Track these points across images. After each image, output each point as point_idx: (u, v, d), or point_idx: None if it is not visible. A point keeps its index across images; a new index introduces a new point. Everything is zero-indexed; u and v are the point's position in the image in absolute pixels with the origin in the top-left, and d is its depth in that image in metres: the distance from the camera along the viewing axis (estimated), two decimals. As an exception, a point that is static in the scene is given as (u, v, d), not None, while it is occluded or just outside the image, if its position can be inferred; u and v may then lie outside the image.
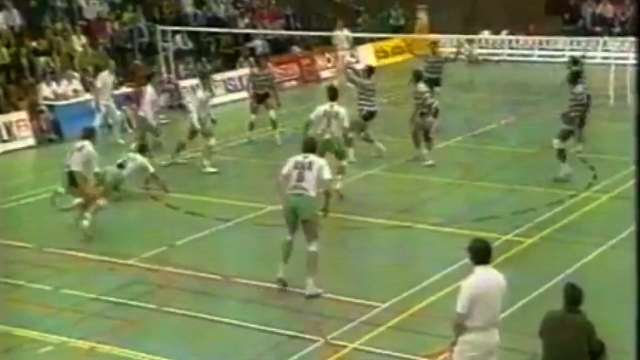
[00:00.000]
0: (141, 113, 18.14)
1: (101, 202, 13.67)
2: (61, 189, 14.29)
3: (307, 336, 9.99)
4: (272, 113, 18.99)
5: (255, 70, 19.96)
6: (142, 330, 10.47)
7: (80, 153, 13.57)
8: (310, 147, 11.49)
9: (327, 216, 12.45)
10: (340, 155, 14.80)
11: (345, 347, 9.74)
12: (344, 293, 11.06)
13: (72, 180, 13.54)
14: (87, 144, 13.68)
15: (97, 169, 13.72)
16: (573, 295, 7.32)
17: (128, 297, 11.28)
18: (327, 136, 14.46)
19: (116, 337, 10.18)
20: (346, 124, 14.70)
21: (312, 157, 11.21)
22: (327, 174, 11.21)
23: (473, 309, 7.40)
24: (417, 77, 17.25)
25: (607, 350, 7.43)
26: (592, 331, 7.26)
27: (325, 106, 14.67)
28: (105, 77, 20.07)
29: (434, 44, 21.56)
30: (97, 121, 19.72)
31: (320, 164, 11.19)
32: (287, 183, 11.05)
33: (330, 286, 11.20)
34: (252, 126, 19.09)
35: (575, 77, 15.78)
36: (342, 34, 26.88)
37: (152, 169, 15.63)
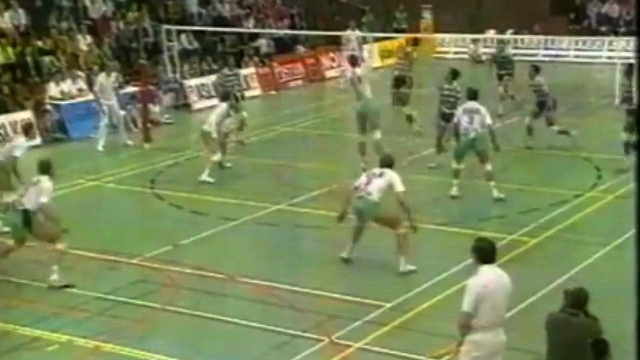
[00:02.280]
0: (206, 127, 16.69)
1: (60, 246, 11.86)
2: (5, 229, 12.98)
3: (312, 335, 9.99)
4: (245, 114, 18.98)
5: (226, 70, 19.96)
6: (147, 330, 10.48)
7: (36, 187, 11.90)
8: (387, 162, 12.04)
9: (416, 232, 11.76)
10: (484, 156, 14.50)
11: (350, 346, 9.73)
12: (349, 292, 11.06)
13: (27, 221, 11.83)
14: (45, 179, 11.99)
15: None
16: (578, 298, 7.29)
17: (132, 296, 11.30)
18: (472, 135, 14.46)
19: (121, 336, 10.19)
20: (489, 121, 14.52)
21: (386, 171, 11.82)
22: (399, 187, 11.60)
23: (479, 308, 7.38)
24: (454, 75, 16.94)
25: (612, 350, 7.41)
26: (595, 331, 7.24)
27: (467, 104, 14.73)
28: (102, 80, 19.97)
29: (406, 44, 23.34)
30: (103, 121, 19.75)
31: (392, 175, 11.73)
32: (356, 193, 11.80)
33: (335, 285, 11.22)
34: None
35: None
36: (352, 34, 26.82)
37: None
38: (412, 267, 11.60)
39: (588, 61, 29.00)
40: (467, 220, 13.06)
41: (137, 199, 15.80)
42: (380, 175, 11.78)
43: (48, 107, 21.02)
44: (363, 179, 11.88)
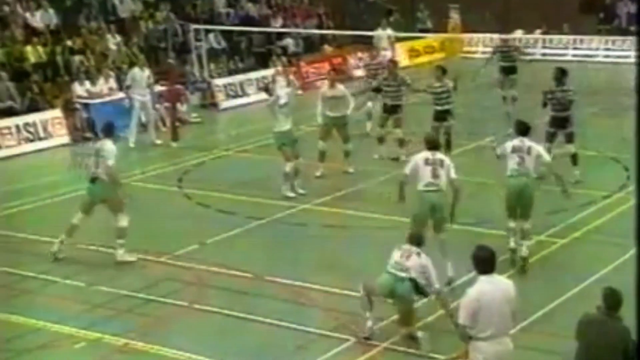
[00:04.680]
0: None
1: (123, 222, 12.61)
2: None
3: (338, 335, 10.01)
4: None
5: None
6: (174, 328, 10.56)
7: (100, 152, 12.45)
8: (434, 144, 11.54)
9: (452, 224, 11.44)
10: (528, 207, 11.87)
11: (376, 346, 9.75)
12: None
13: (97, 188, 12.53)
14: (108, 142, 12.53)
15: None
16: (613, 300, 7.21)
17: (160, 294, 11.39)
18: (523, 180, 11.81)
19: (148, 334, 10.28)
20: (546, 159, 12.09)
21: (439, 155, 11.33)
22: (454, 173, 11.19)
23: (477, 320, 7.31)
24: (443, 71, 16.92)
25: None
26: (630, 338, 7.16)
27: (515, 141, 12.02)
28: (136, 73, 20.16)
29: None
30: (135, 118, 19.94)
31: (449, 162, 11.26)
32: (415, 181, 11.20)
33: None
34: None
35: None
36: (384, 33, 26.76)
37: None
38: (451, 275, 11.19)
39: (617, 61, 28.77)
40: (493, 221, 13.00)
41: (164, 197, 15.90)
42: (442, 164, 11.17)
43: (77, 106, 21.21)
44: (427, 171, 11.06)
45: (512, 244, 11.83)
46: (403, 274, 9.69)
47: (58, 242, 12.71)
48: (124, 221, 12.53)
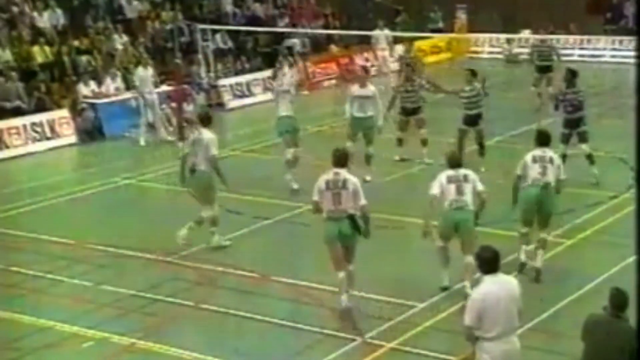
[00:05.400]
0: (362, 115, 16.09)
1: (211, 212, 12.70)
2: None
3: (345, 335, 10.03)
4: None
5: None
6: (180, 327, 10.58)
7: (201, 143, 12.56)
8: (457, 161, 11.13)
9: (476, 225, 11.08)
10: (548, 217, 11.64)
11: (382, 346, 9.76)
12: (382, 292, 11.08)
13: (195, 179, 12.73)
14: (206, 131, 12.71)
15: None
16: (619, 301, 7.19)
17: (167, 293, 11.41)
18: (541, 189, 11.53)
19: (155, 333, 10.30)
20: (562, 176, 11.71)
21: (463, 170, 10.97)
22: (480, 185, 10.91)
23: (483, 321, 7.30)
24: (473, 74, 16.66)
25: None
26: (635, 338, 7.14)
27: (537, 151, 11.77)
28: (141, 72, 20.23)
29: (410, 43, 23.31)
30: (144, 117, 20.02)
31: (474, 176, 10.97)
32: (442, 199, 10.80)
33: (368, 285, 11.22)
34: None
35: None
36: (381, 34, 26.79)
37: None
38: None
39: (624, 61, 28.70)
40: (500, 221, 12.99)
41: (171, 197, 15.92)
42: (466, 179, 10.83)
43: (84, 106, 21.26)
44: (451, 189, 10.74)
45: (522, 257, 11.62)
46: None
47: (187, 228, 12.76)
48: (210, 211, 12.67)
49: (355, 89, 16.35)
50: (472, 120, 16.56)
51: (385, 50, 26.60)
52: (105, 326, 10.51)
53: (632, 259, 11.88)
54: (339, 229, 10.34)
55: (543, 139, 11.80)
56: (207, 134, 12.64)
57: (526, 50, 27.32)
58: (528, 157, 11.63)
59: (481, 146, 16.65)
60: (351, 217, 10.37)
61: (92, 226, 14.40)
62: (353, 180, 10.40)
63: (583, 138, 15.62)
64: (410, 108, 17.50)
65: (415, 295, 10.93)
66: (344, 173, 10.40)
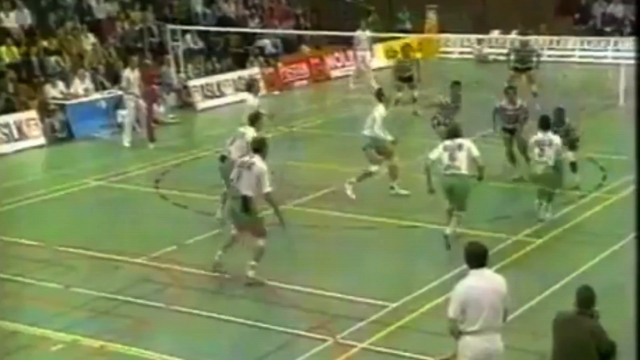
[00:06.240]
0: (366, 132, 14.84)
1: (262, 242, 11.37)
2: None
3: (316, 335, 10.01)
4: None
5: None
6: (152, 329, 10.52)
7: (250, 172, 11.18)
8: (456, 132, 12.54)
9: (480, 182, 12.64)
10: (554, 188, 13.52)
11: (354, 346, 9.75)
12: (354, 292, 11.07)
13: (246, 206, 11.27)
14: (257, 159, 11.26)
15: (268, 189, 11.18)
16: (584, 297, 7.26)
17: (137, 295, 11.33)
18: (542, 168, 13.44)
19: (126, 335, 10.22)
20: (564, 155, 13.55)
21: (460, 140, 12.34)
22: (476, 152, 12.28)
23: (466, 314, 7.31)
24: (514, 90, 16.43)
25: (618, 351, 7.38)
26: (601, 334, 7.20)
27: (539, 134, 13.50)
28: (128, 74, 20.06)
29: (408, 46, 24.05)
30: (128, 118, 19.86)
31: (469, 144, 12.33)
32: (438, 166, 12.29)
33: (340, 285, 11.22)
34: None
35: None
36: (363, 34, 26.78)
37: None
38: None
39: (593, 61, 28.95)
40: (472, 221, 13.05)
41: (142, 198, 15.83)
42: (460, 147, 12.21)
43: (53, 107, 21.06)
44: (445, 156, 12.20)
45: (541, 215, 13.37)
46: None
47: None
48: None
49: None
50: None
51: (366, 50, 26.63)
52: (75, 329, 10.41)
53: (602, 256, 12.04)
54: (232, 207, 11.40)
55: (544, 124, 13.51)
56: (260, 164, 11.23)
57: (496, 50, 27.52)
58: (531, 140, 13.68)
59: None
60: (244, 198, 11.04)
61: (62, 228, 14.27)
62: (260, 165, 11.09)
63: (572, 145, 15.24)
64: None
65: (387, 295, 10.93)
66: (256, 158, 11.19)
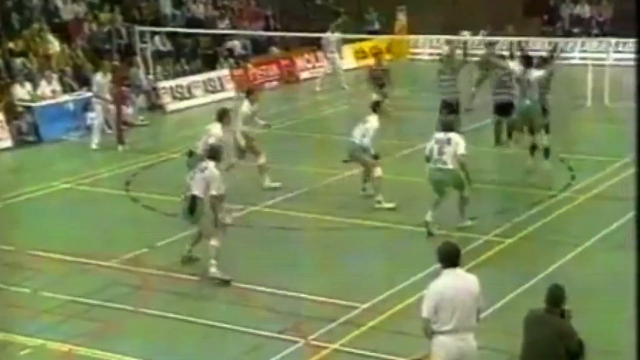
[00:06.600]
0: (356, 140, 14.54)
1: (215, 242, 11.56)
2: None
3: (288, 337, 9.97)
4: None
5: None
6: (121, 332, 10.41)
7: (203, 174, 11.63)
8: (449, 126, 13.05)
9: (471, 186, 12.92)
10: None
11: (325, 347, 9.73)
12: (325, 293, 11.06)
13: (192, 207, 11.64)
14: (211, 165, 11.72)
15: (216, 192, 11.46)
16: (553, 296, 7.30)
17: (106, 298, 11.22)
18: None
19: (95, 339, 10.12)
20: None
21: (451, 134, 12.69)
22: (461, 149, 12.52)
23: (439, 314, 7.30)
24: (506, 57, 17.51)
25: (586, 350, 7.42)
26: (570, 333, 7.23)
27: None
28: (100, 79, 19.90)
29: (380, 53, 24.42)
30: (97, 120, 19.69)
31: (457, 139, 12.61)
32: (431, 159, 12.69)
33: (311, 287, 11.21)
34: None
35: None
36: (332, 36, 26.79)
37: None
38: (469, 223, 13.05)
39: (561, 62, 29.14)
40: (443, 222, 13.08)
41: (111, 201, 15.70)
42: (449, 142, 12.56)
43: (20, 109, 20.83)
44: (435, 149, 12.58)
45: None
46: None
47: None
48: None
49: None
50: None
51: (334, 52, 26.66)
52: (44, 333, 10.29)
53: (572, 254, 12.13)
54: (182, 206, 11.88)
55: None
56: (212, 170, 11.65)
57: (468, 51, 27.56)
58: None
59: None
60: (192, 198, 11.51)
61: (30, 231, 14.11)
62: (213, 171, 11.53)
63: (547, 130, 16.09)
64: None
65: (358, 296, 10.92)
66: (210, 164, 11.62)
